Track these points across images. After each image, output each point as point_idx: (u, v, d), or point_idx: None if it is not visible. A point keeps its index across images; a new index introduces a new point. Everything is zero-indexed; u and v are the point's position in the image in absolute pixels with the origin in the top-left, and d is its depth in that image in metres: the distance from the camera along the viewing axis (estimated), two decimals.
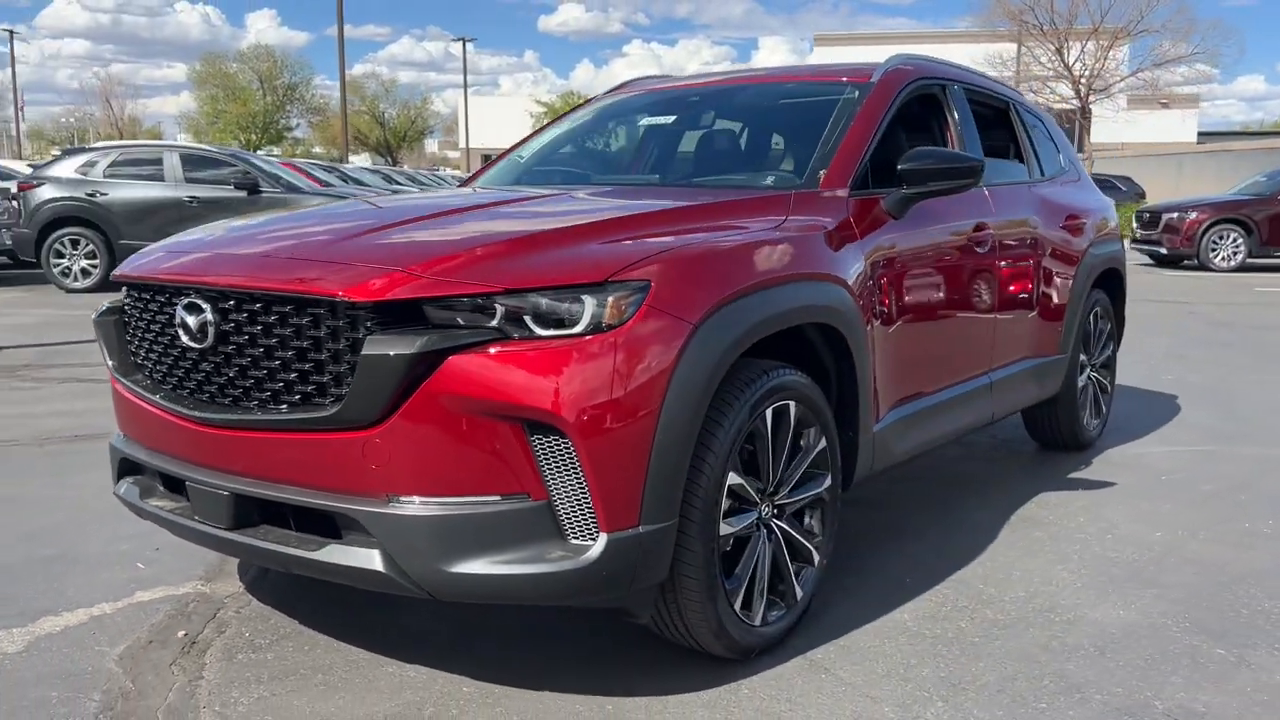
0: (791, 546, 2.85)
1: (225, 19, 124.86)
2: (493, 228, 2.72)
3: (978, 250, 3.84)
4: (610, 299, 2.29)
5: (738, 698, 2.55)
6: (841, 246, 3.04)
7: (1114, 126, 43.02)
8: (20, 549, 3.55)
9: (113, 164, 12.55)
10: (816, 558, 2.93)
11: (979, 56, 35.81)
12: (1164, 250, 16.68)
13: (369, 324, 2.27)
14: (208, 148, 15.40)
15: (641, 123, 4.38)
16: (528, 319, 2.27)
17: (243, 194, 12.13)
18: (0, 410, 5.74)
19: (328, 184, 14.59)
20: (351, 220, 2.91)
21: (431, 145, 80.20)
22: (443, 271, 2.29)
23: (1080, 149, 36.62)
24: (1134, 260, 14.82)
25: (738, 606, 2.63)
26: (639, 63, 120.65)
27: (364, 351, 2.25)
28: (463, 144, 63.96)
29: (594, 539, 2.28)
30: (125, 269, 2.83)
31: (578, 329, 2.27)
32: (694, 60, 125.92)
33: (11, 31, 58.92)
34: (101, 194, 12.28)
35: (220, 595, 3.18)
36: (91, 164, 12.54)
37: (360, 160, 49.89)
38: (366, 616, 3.02)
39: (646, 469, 2.31)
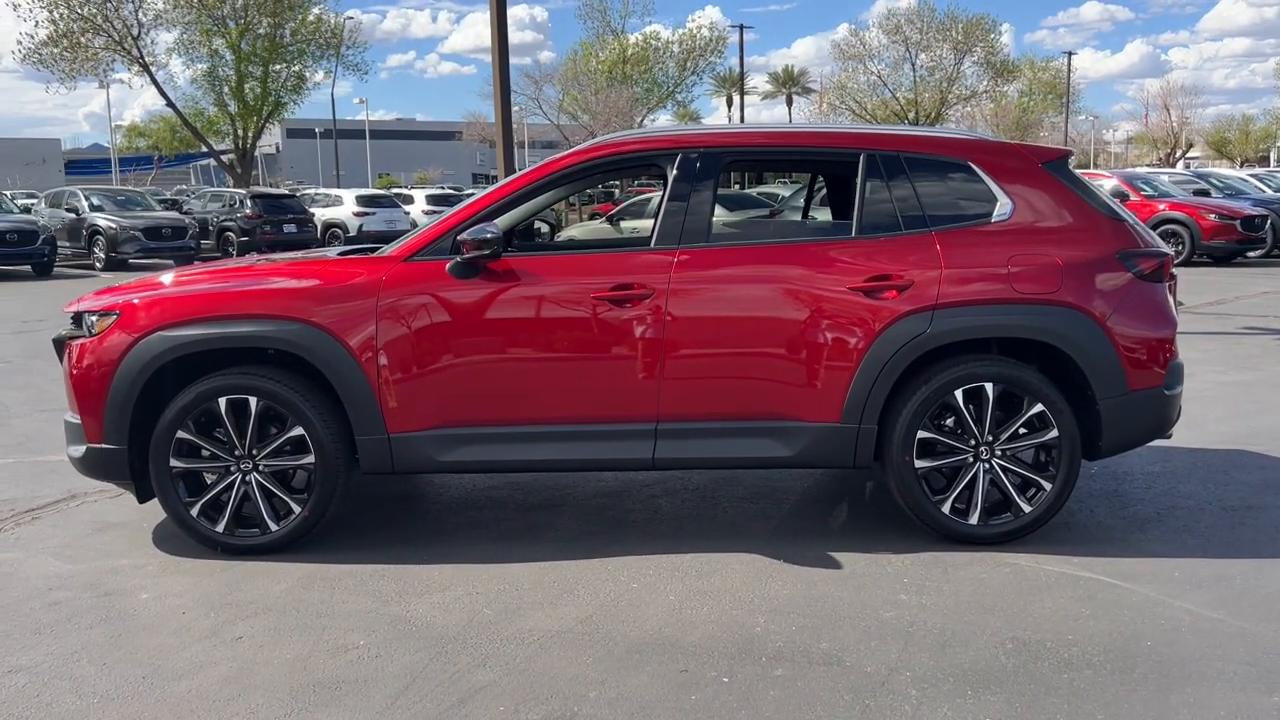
0: (269, 492, 4.36)
1: None
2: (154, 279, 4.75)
3: (612, 306, 4.27)
4: (98, 319, 4.40)
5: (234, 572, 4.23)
6: (350, 298, 4.31)
7: None
8: None
9: None
10: (296, 509, 4.35)
11: None
12: None
13: (71, 324, 4.54)
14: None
15: None
16: (90, 327, 4.41)
17: None
18: None
19: None
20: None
21: None
22: (81, 300, 4.58)
23: None
24: None
25: (195, 513, 4.35)
26: None
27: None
28: None
29: (85, 445, 4.40)
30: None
31: (90, 333, 4.41)
32: None
33: None
34: None
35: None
36: None
37: None
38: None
39: (103, 414, 4.30)
